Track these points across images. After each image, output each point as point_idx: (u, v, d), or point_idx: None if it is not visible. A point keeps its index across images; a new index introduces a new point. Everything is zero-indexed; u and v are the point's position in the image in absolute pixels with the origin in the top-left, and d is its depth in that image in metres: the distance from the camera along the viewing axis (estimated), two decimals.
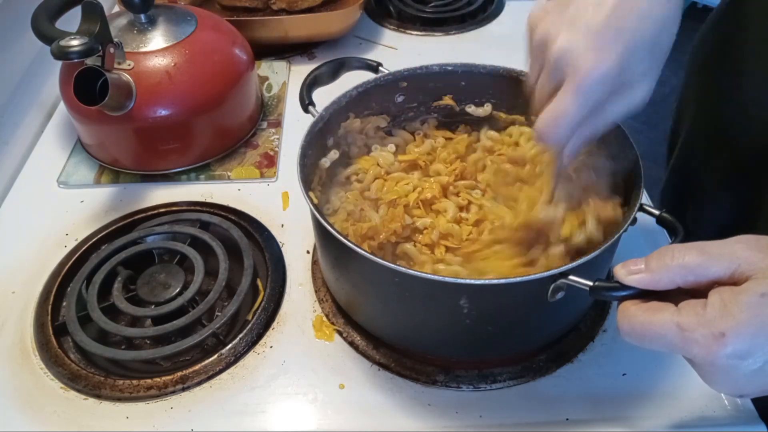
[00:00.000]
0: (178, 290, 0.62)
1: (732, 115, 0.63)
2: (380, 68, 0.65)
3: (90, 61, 0.67)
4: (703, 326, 0.35)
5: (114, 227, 0.71)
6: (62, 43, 0.63)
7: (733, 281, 0.36)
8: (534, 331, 0.56)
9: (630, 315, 0.38)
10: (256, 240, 0.69)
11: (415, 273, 0.47)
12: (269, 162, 0.80)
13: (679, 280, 0.37)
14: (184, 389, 0.56)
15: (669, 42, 0.47)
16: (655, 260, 0.38)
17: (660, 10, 0.45)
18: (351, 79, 0.64)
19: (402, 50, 1.01)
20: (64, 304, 0.63)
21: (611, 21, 0.44)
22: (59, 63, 0.75)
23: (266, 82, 0.93)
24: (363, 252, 0.48)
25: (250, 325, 0.61)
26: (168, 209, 0.73)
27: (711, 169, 0.68)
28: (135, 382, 0.56)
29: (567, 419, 0.54)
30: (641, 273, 0.39)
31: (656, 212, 0.52)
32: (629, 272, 0.39)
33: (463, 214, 0.61)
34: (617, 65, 0.44)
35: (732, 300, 0.35)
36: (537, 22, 0.48)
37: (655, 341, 0.37)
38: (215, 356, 0.58)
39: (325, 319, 0.62)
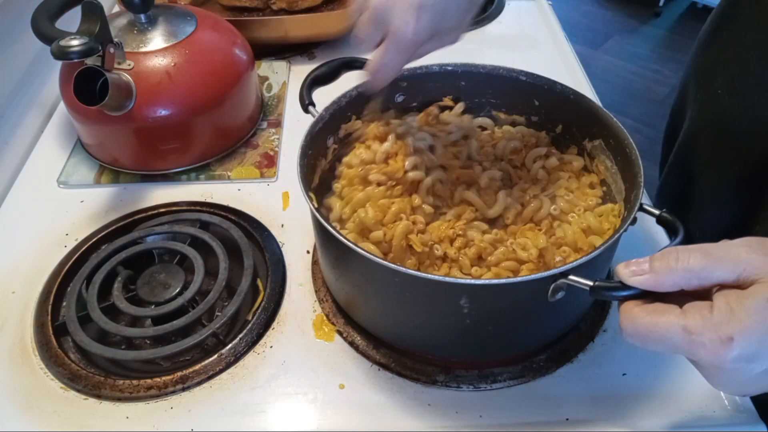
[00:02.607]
0: (178, 290, 0.62)
1: (734, 116, 0.63)
2: None
3: (90, 61, 0.67)
4: (709, 330, 0.35)
5: (114, 227, 0.71)
6: (62, 43, 0.63)
7: (738, 284, 0.36)
8: (534, 331, 0.56)
9: (634, 316, 0.38)
10: (256, 240, 0.69)
11: (415, 273, 0.47)
12: (269, 162, 0.80)
13: (683, 283, 0.37)
14: (184, 389, 0.56)
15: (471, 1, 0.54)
16: (659, 262, 0.38)
17: None
18: (351, 79, 0.64)
19: None
20: (64, 304, 0.63)
21: None
22: (59, 63, 0.75)
23: (266, 82, 0.93)
24: (363, 252, 0.48)
25: (250, 325, 0.61)
26: (168, 209, 0.73)
27: (712, 170, 0.68)
28: (135, 382, 0.56)
29: (567, 419, 0.54)
30: (645, 274, 0.38)
31: (656, 212, 0.52)
32: (633, 273, 0.39)
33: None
34: (429, 27, 0.51)
35: (739, 304, 0.35)
36: None
37: (660, 343, 0.37)
38: (215, 356, 0.58)
39: (325, 319, 0.62)
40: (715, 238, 0.38)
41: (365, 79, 0.56)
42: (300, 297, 0.64)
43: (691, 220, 0.70)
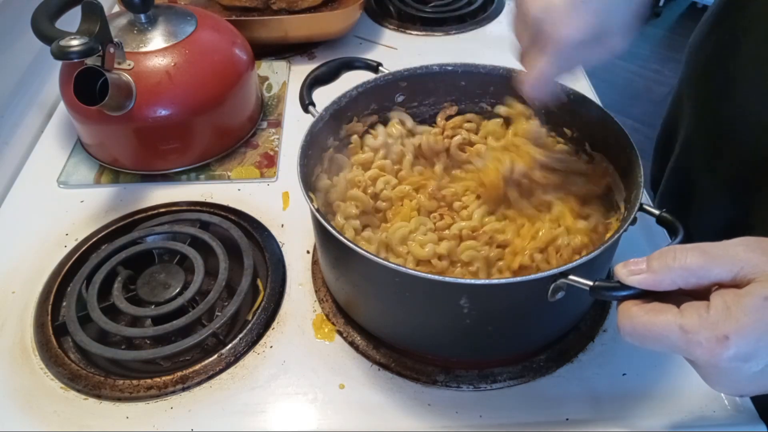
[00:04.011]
0: (178, 290, 0.62)
1: (731, 116, 0.63)
2: (380, 68, 0.65)
3: (90, 61, 0.67)
4: (706, 329, 0.35)
5: (114, 227, 0.71)
6: (62, 43, 0.63)
7: (735, 284, 0.36)
8: (534, 331, 0.56)
9: (632, 315, 0.38)
10: (256, 240, 0.69)
11: (415, 273, 0.47)
12: (269, 162, 0.80)
13: (681, 282, 0.37)
14: (184, 389, 0.56)
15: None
16: (656, 261, 0.38)
17: None
18: (351, 79, 0.64)
19: (402, 50, 1.01)
20: (64, 304, 0.63)
21: None
22: (59, 63, 0.75)
23: (266, 82, 0.93)
24: (363, 252, 0.48)
25: (250, 325, 0.61)
26: (168, 209, 0.73)
27: (710, 171, 0.68)
28: (135, 382, 0.56)
29: (567, 419, 0.54)
30: (643, 273, 0.38)
31: (656, 212, 0.52)
32: (630, 272, 0.39)
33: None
34: (592, 28, 0.46)
35: (735, 303, 0.35)
36: None
37: (658, 342, 0.37)
38: (215, 356, 0.58)
39: (325, 319, 0.62)
40: (711, 239, 0.38)
41: (525, 93, 0.51)
42: (300, 297, 0.64)
43: (690, 222, 0.70)
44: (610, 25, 0.47)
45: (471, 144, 0.68)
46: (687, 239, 0.47)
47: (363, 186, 0.62)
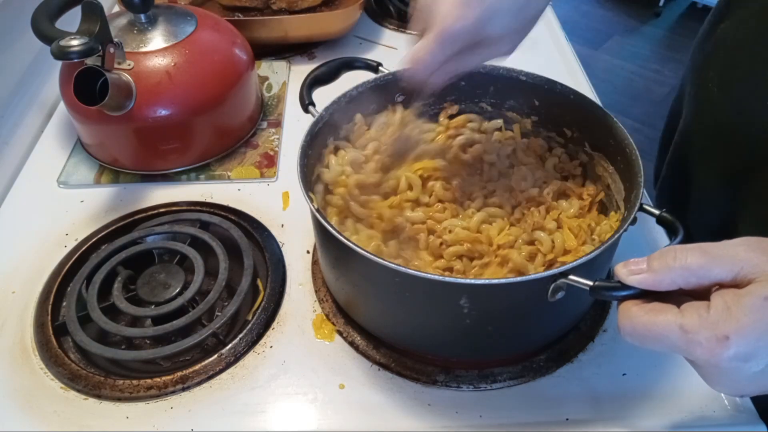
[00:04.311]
0: (178, 290, 0.62)
1: (723, 112, 0.63)
2: (380, 68, 0.65)
3: (90, 61, 0.67)
4: (706, 329, 0.35)
5: (114, 227, 0.71)
6: (62, 43, 0.63)
7: (736, 284, 0.36)
8: (534, 331, 0.56)
9: (632, 315, 0.38)
10: (256, 240, 0.69)
11: (415, 273, 0.47)
12: (269, 162, 0.80)
13: (681, 282, 0.37)
14: (184, 389, 0.56)
15: (536, 9, 0.52)
16: (657, 261, 0.38)
17: None
18: (351, 79, 0.64)
19: (402, 50, 1.00)
20: (64, 304, 0.63)
21: None
22: (59, 63, 0.75)
23: (266, 82, 0.93)
24: (363, 252, 0.48)
25: (250, 325, 0.61)
26: (168, 209, 0.73)
27: (704, 166, 0.68)
28: (135, 382, 0.56)
29: (567, 419, 0.54)
30: (643, 273, 0.38)
31: (656, 212, 0.52)
32: (631, 272, 0.39)
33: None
34: (473, 24, 0.49)
35: (735, 303, 0.35)
36: None
37: (658, 342, 0.37)
38: (215, 356, 0.58)
39: (325, 319, 0.62)
40: (707, 234, 0.38)
41: (404, 71, 0.54)
42: (300, 297, 0.64)
43: (687, 216, 0.70)
44: (496, 27, 0.50)
45: (471, 144, 0.68)
46: (686, 235, 0.47)
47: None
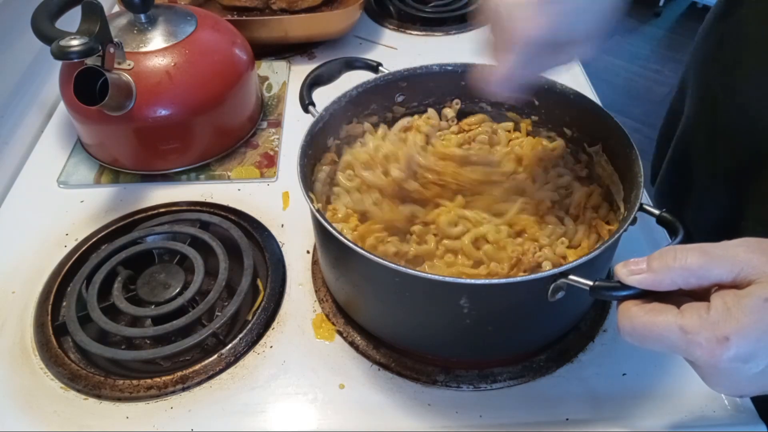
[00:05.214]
0: (178, 290, 0.62)
1: (725, 111, 0.63)
2: (380, 68, 0.65)
3: (90, 61, 0.67)
4: (706, 329, 0.35)
5: (114, 227, 0.71)
6: (62, 43, 0.63)
7: (736, 284, 0.36)
8: (534, 331, 0.56)
9: (632, 315, 0.38)
10: (256, 240, 0.69)
11: (415, 273, 0.47)
12: (269, 162, 0.80)
13: (681, 282, 0.37)
14: (184, 389, 0.56)
15: (611, 5, 0.48)
16: (657, 261, 0.38)
17: None
18: (351, 79, 0.64)
19: (402, 50, 1.01)
20: (64, 304, 0.63)
21: None
22: (59, 63, 0.75)
23: (266, 82, 0.93)
24: (363, 252, 0.48)
25: (250, 325, 0.61)
26: (168, 209, 0.73)
27: (705, 165, 0.68)
28: (135, 382, 0.56)
29: (567, 419, 0.54)
30: (643, 273, 0.38)
31: (656, 212, 0.52)
32: (631, 272, 0.39)
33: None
34: (557, 29, 0.46)
35: (735, 304, 0.35)
36: None
37: (658, 343, 0.37)
38: (215, 356, 0.58)
39: (325, 318, 0.62)
40: (707, 233, 0.38)
41: (483, 87, 0.52)
42: (300, 297, 0.64)
43: (687, 216, 0.70)
44: (577, 29, 0.48)
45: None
46: (686, 235, 0.47)
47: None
